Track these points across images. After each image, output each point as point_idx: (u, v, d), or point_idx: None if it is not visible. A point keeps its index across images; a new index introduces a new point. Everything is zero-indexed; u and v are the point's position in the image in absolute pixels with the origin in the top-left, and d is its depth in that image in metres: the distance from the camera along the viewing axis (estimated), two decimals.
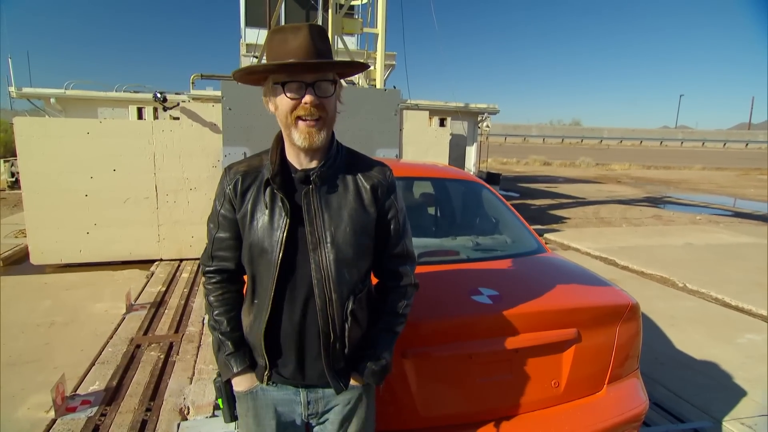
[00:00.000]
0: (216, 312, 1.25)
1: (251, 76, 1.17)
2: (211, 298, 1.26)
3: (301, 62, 1.07)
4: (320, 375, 1.20)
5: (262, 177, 1.19)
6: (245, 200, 1.19)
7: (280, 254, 1.14)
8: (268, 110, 1.18)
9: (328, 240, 1.15)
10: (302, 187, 1.17)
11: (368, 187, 1.22)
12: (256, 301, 1.21)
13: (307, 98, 1.09)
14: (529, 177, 21.32)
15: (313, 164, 1.19)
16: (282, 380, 1.23)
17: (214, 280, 1.27)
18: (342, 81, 1.20)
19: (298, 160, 1.19)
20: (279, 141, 1.22)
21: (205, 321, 3.95)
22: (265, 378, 1.21)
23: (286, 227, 1.14)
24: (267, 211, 1.16)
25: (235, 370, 1.22)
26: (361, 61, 1.20)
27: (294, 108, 1.11)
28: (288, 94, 1.10)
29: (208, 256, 1.27)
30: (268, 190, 1.17)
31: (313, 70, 1.10)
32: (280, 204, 1.15)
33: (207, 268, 1.27)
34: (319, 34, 1.11)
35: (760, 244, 7.58)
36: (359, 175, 1.23)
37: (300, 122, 1.11)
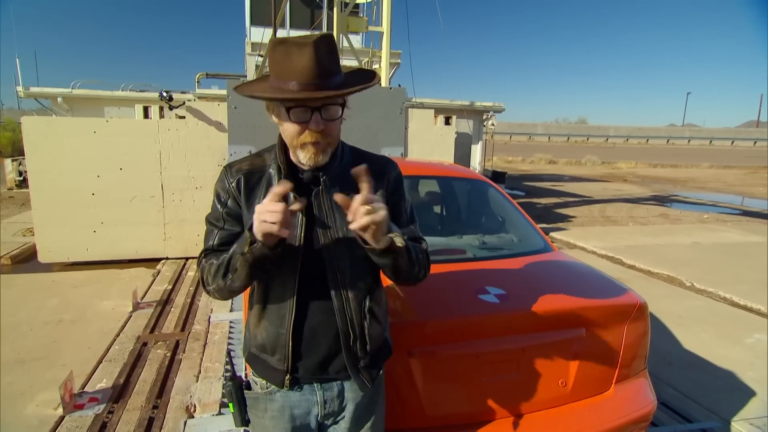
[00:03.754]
0: (219, 254, 1.14)
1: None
2: (215, 258, 1.14)
3: (305, 97, 1.03)
4: (339, 370, 1.20)
5: (270, 177, 1.17)
6: (252, 200, 1.16)
7: (300, 255, 1.13)
8: (270, 119, 1.15)
9: (340, 241, 1.15)
10: (311, 188, 1.16)
11: (377, 184, 1.19)
12: (269, 305, 1.18)
13: (313, 125, 1.06)
14: (534, 175, 21.24)
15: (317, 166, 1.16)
16: (300, 381, 1.21)
17: (217, 253, 1.17)
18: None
19: (302, 163, 1.15)
20: (283, 141, 1.18)
21: (212, 318, 3.96)
22: (287, 382, 1.19)
23: (303, 227, 1.13)
24: None
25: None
26: (371, 69, 1.15)
27: (301, 133, 1.08)
28: (293, 118, 1.07)
29: (210, 249, 1.19)
30: None
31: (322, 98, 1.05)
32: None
33: (206, 252, 1.19)
34: (326, 49, 1.05)
35: None
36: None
37: (307, 145, 1.09)
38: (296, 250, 1.13)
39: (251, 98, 1.09)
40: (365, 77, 1.14)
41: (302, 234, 1.13)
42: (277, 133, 1.20)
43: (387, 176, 1.24)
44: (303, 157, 1.11)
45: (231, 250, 1.09)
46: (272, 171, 1.18)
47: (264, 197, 1.12)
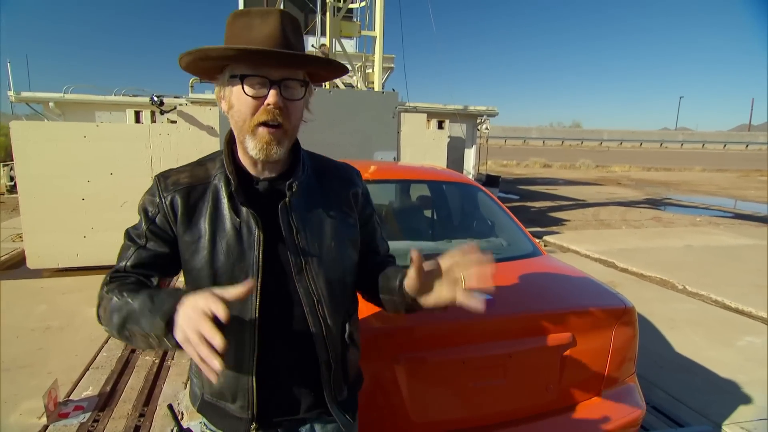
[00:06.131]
0: (124, 290, 0.92)
1: (204, 63, 0.95)
2: (114, 296, 0.92)
3: (269, 50, 0.88)
4: (310, 407, 1.06)
5: (216, 190, 0.99)
6: (195, 220, 0.98)
7: (259, 281, 0.96)
8: (220, 108, 0.98)
9: (314, 260, 1.00)
10: (268, 200, 1.00)
11: (344, 194, 1.09)
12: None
13: (271, 98, 0.90)
14: (529, 179, 21.31)
15: (273, 173, 1.02)
16: (266, 427, 1.05)
17: (126, 280, 0.96)
18: (313, 86, 1.02)
19: (255, 169, 1.01)
20: (230, 144, 1.02)
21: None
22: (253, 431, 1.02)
23: (261, 248, 0.97)
24: (231, 232, 0.97)
25: (179, 296, 0.81)
26: (342, 62, 1.08)
27: (255, 110, 0.92)
28: (248, 91, 0.90)
29: (122, 270, 0.98)
30: (228, 205, 0.98)
31: (282, 64, 0.91)
32: (249, 221, 0.97)
33: (115, 274, 0.98)
34: (291, 24, 0.93)
35: (760, 245, 7.55)
36: (332, 183, 1.09)
37: (260, 128, 0.92)
38: (251, 277, 0.97)
39: (201, 56, 0.91)
40: (335, 66, 1.03)
41: (261, 259, 0.97)
42: None
43: (356, 189, 1.12)
44: (252, 147, 0.93)
45: (136, 305, 0.86)
46: (219, 182, 1.00)
47: (212, 217, 0.98)
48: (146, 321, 0.83)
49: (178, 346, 0.79)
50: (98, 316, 0.96)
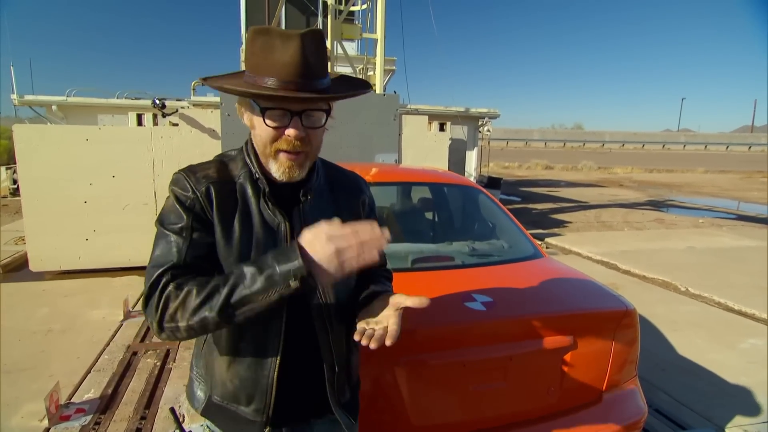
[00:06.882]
0: (203, 280, 0.90)
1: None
2: (195, 287, 0.88)
3: (288, 95, 0.89)
4: (316, 410, 1.09)
5: (243, 190, 1.00)
6: (227, 216, 0.98)
7: None
8: (241, 120, 1.01)
9: None
10: (283, 203, 1.02)
11: (353, 202, 1.14)
12: (244, 345, 1.01)
13: (291, 131, 0.93)
14: (530, 181, 21.28)
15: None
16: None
17: (187, 275, 0.93)
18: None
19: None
20: (254, 147, 1.04)
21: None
22: None
23: None
24: (260, 231, 0.99)
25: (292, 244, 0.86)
26: (364, 79, 1.07)
27: (275, 139, 0.94)
28: (269, 123, 0.93)
29: (180, 265, 0.93)
30: (256, 206, 1.00)
31: (303, 99, 0.92)
32: (279, 223, 1.00)
33: (175, 272, 0.92)
34: (314, 45, 0.91)
35: (763, 247, 7.52)
36: (342, 190, 1.13)
37: (281, 154, 0.96)
38: None
39: (222, 91, 0.97)
40: (355, 85, 1.04)
41: None
42: None
43: (363, 197, 1.17)
44: (275, 169, 0.97)
45: (235, 278, 0.86)
46: (245, 182, 1.01)
47: (243, 214, 0.99)
48: (267, 278, 0.84)
49: (310, 280, 0.84)
50: (165, 318, 0.89)
